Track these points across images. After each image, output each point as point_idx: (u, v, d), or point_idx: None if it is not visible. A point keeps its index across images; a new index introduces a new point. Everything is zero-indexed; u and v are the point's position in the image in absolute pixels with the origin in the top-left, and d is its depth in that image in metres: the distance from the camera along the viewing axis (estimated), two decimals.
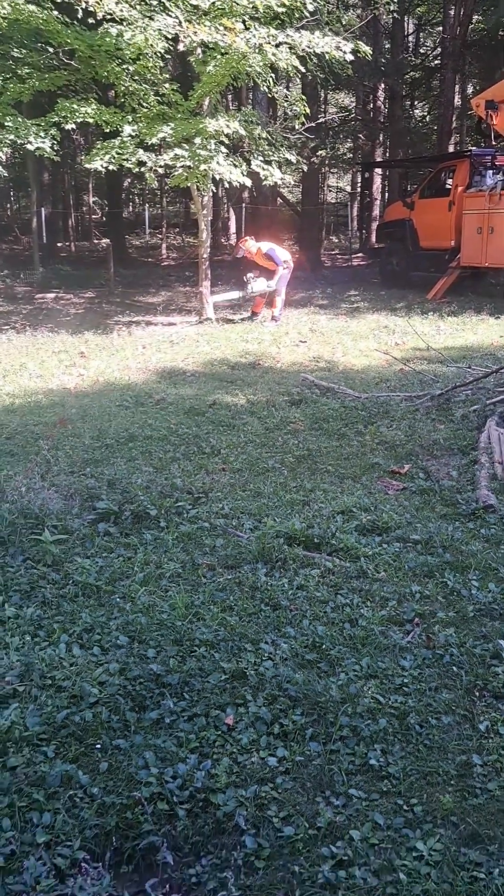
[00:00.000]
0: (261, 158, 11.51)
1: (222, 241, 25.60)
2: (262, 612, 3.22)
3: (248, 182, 10.90)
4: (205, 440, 5.97)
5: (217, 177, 10.27)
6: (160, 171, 10.28)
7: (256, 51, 9.70)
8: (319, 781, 2.25)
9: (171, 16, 9.51)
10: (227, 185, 10.97)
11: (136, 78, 11.16)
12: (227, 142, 10.29)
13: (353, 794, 2.20)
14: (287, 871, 1.96)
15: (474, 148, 15.70)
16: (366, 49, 11.85)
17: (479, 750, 2.37)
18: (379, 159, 21.29)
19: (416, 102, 26.18)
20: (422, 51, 23.69)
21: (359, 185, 27.35)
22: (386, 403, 6.77)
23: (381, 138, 21.30)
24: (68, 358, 9.80)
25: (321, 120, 16.68)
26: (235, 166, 10.83)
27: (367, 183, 25.38)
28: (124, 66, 11.00)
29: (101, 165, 10.37)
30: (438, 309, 12.89)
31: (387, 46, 21.27)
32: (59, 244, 28.41)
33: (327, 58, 10.72)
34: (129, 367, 9.11)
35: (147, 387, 8.08)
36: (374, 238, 20.24)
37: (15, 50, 11.52)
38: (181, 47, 9.70)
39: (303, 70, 11.03)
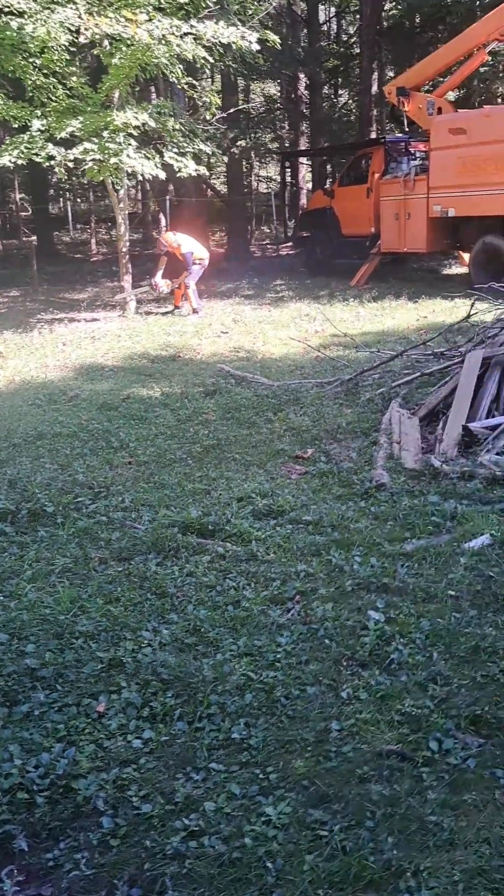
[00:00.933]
0: (175, 150, 11.49)
1: (154, 234, 25.42)
2: (148, 600, 3.27)
3: (162, 174, 10.87)
4: (114, 434, 5.98)
5: (129, 170, 10.21)
6: (70, 165, 10.14)
7: (161, 42, 9.66)
8: (182, 759, 2.32)
9: (72, 8, 9.38)
10: (149, 178, 10.87)
11: (45, 72, 10.99)
12: (135, 134, 10.22)
13: (213, 768, 2.28)
14: (140, 847, 2.02)
15: (389, 136, 15.95)
16: (274, 38, 11.94)
17: (339, 716, 2.47)
18: (301, 148, 21.39)
19: (338, 91, 26.43)
20: (343, 38, 23.90)
21: (288, 174, 27.53)
22: (297, 390, 6.88)
23: (303, 127, 21.40)
24: None
25: (236, 109, 16.61)
26: (148, 158, 10.79)
27: (294, 172, 25.55)
28: (31, 60, 10.82)
29: (10, 161, 10.20)
30: (360, 295, 13.09)
31: (303, 33, 21.37)
32: None
33: (234, 48, 10.73)
34: (47, 365, 9.02)
35: (63, 384, 8.03)
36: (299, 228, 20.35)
37: None
38: (82, 39, 9.58)
39: (211, 60, 11.03)
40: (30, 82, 10.94)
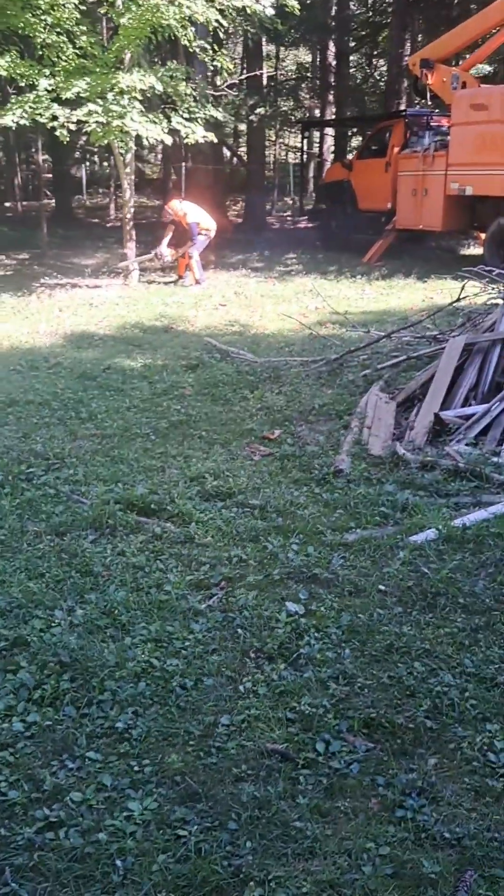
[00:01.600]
0: (186, 115, 11.23)
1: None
2: (71, 578, 3.21)
3: (168, 139, 10.65)
4: (86, 405, 5.90)
5: (133, 133, 10.00)
6: (72, 127, 9.95)
7: (171, 3, 9.39)
8: (62, 745, 2.27)
9: None
10: (153, 143, 10.66)
11: (57, 30, 10.74)
12: (140, 98, 9.99)
13: (89, 757, 2.22)
14: None
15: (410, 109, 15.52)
16: (293, 3, 11.57)
17: (231, 710, 2.40)
18: (324, 118, 20.91)
19: (372, 61, 25.73)
20: (375, 5, 23.16)
21: (316, 144, 26.98)
22: (278, 368, 6.75)
23: (329, 97, 20.89)
24: None
25: (248, 76, 16.16)
26: (155, 123, 10.56)
27: (320, 144, 25.03)
28: (42, 17, 10.58)
29: (13, 121, 10.03)
30: (369, 272, 12.83)
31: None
32: (6, 204, 27.67)
33: (248, 11, 10.43)
34: (38, 331, 8.94)
35: (49, 350, 7.95)
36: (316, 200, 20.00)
37: None
38: None
39: (225, 24, 10.72)
40: (39, 40, 10.70)
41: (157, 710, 2.40)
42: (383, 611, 2.93)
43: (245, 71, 20.16)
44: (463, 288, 7.00)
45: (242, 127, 21.52)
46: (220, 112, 11.68)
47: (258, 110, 16.42)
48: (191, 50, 10.75)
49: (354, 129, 20.01)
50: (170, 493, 4.01)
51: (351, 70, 22.53)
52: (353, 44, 20.90)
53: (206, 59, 11.10)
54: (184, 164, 17.73)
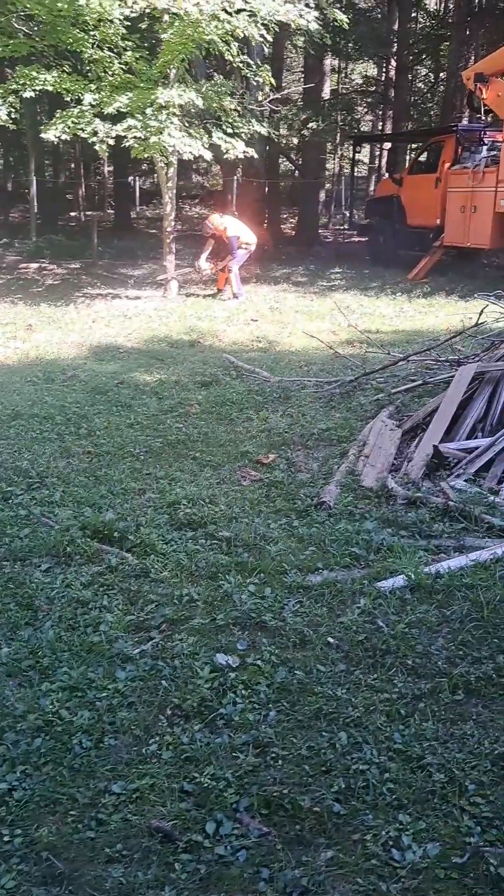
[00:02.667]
0: (229, 130, 11.17)
1: (235, 213, 25.17)
2: (10, 611, 3.08)
3: (208, 155, 10.58)
4: (90, 420, 5.82)
5: (170, 148, 9.97)
6: (111, 141, 9.99)
7: (211, 18, 9.34)
8: None
9: None
10: (189, 157, 10.63)
11: (103, 45, 10.84)
12: (178, 113, 9.96)
13: None
14: None
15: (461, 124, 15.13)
16: (342, 18, 11.42)
17: (127, 776, 2.21)
18: (375, 133, 20.62)
19: (434, 73, 25.31)
20: (426, 20, 22.74)
21: (375, 158, 26.66)
22: (289, 388, 6.54)
23: (384, 110, 20.60)
24: (13, 330, 9.68)
25: (286, 92, 15.97)
26: (196, 138, 10.52)
27: (379, 158, 24.73)
28: (90, 34, 10.69)
29: (55, 135, 10.15)
30: (410, 290, 12.49)
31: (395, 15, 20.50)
32: (72, 213, 28.22)
33: (293, 27, 10.30)
34: (66, 342, 8.97)
35: (71, 362, 7.94)
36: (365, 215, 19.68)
37: None
38: (129, 13, 9.36)
39: (269, 39, 10.62)
40: (86, 55, 10.82)
41: (50, 770, 2.23)
42: (324, 667, 2.69)
43: (305, 84, 20.09)
44: (481, 313, 6.67)
45: (283, 141, 21.38)
46: (264, 126, 11.54)
47: (311, 124, 16.25)
48: (234, 65, 10.66)
49: (411, 145, 19.61)
50: (136, 521, 3.85)
51: (411, 84, 22.17)
52: (412, 57, 20.52)
53: (249, 75, 11.00)
54: (235, 177, 17.73)
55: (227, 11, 9.37)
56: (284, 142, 17.81)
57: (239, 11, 9.66)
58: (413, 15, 21.76)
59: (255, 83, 11.24)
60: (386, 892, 1.83)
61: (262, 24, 10.09)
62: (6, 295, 12.56)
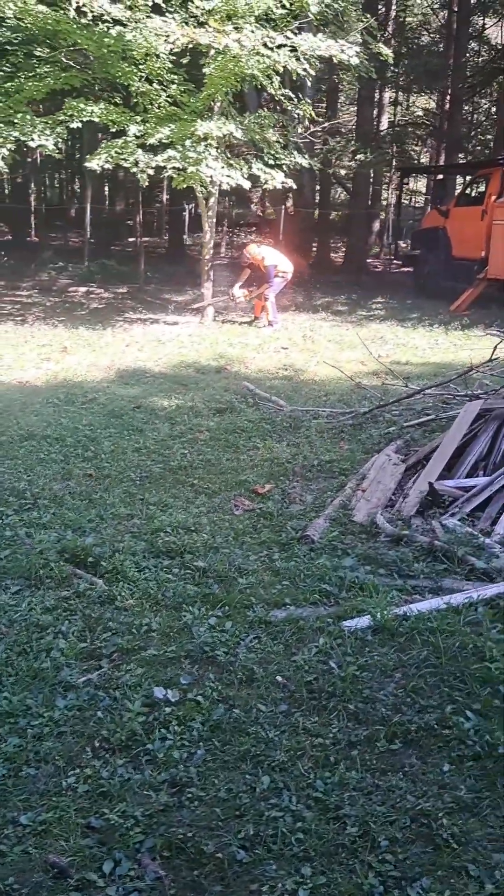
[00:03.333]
0: (271, 161, 11.32)
1: (271, 243, 25.45)
2: None
3: (247, 184, 10.73)
4: (99, 443, 5.89)
5: (208, 179, 10.15)
6: (151, 172, 10.23)
7: (252, 53, 9.53)
8: None
9: (167, 18, 9.47)
10: (226, 188, 10.82)
11: (151, 78, 11.16)
12: (216, 144, 10.14)
13: None
14: None
15: None
16: (387, 52, 11.50)
17: (38, 808, 2.18)
18: (420, 164, 20.57)
19: (489, 106, 25.22)
20: (488, 52, 22.71)
21: (430, 190, 26.58)
22: (300, 418, 6.50)
23: (433, 143, 20.58)
24: (49, 352, 9.91)
25: (340, 121, 16.09)
26: (236, 168, 10.69)
27: (434, 190, 24.62)
28: (138, 67, 11.02)
29: (98, 165, 10.45)
30: (448, 322, 12.33)
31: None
32: (130, 239, 28.91)
33: (335, 61, 10.42)
34: (96, 365, 9.13)
35: (95, 385, 8.07)
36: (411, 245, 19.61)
37: (38, 49, 11.74)
38: (171, 48, 9.61)
39: (313, 73, 10.75)
40: (134, 88, 11.14)
41: None
42: (265, 707, 2.63)
43: (358, 116, 20.27)
44: (496, 348, 6.53)
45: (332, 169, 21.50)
46: (306, 158, 11.65)
47: (359, 156, 16.35)
48: (276, 98, 10.82)
49: (459, 177, 19.53)
50: (114, 546, 3.86)
51: (471, 115, 22.12)
52: (468, 89, 20.49)
53: (290, 108, 11.15)
54: (283, 206, 17.93)
55: (267, 46, 9.52)
56: (333, 171, 17.90)
57: (280, 46, 9.82)
58: (475, 48, 21.76)
59: (296, 115, 11.33)
60: None
61: (305, 59, 10.23)
62: (50, 317, 12.90)
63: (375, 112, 20.66)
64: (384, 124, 22.59)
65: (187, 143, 9.97)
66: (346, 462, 5.38)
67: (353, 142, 16.81)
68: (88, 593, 3.45)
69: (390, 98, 24.55)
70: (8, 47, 11.50)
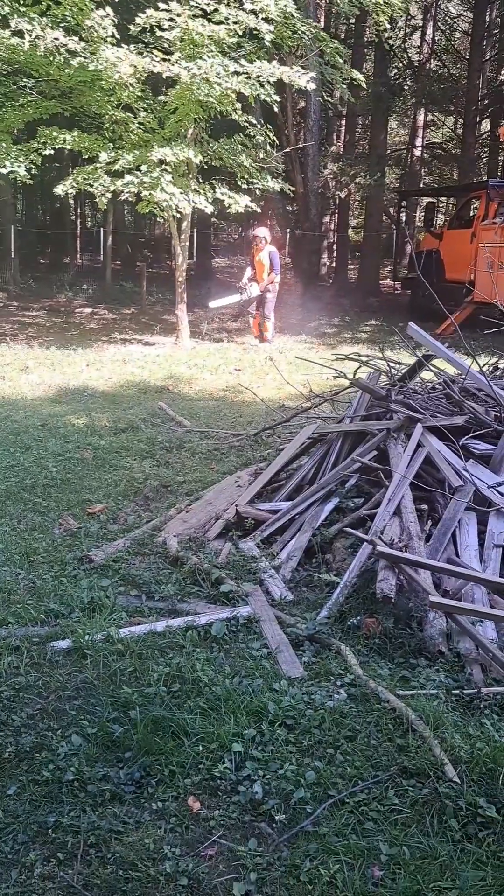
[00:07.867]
0: (244, 184, 11.48)
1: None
2: None
3: (210, 209, 10.89)
4: None
5: (164, 203, 10.34)
6: (108, 196, 10.48)
7: (204, 81, 9.71)
8: None
9: (118, 48, 9.77)
10: (185, 212, 11.01)
11: (121, 107, 11.48)
12: (170, 170, 10.34)
13: None
14: None
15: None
16: (359, 77, 11.53)
17: None
18: (417, 188, 20.43)
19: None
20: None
21: (431, 214, 26.31)
22: (189, 439, 6.53)
23: (448, 166, 20.42)
24: (9, 371, 10.18)
25: (316, 148, 16.03)
26: (199, 193, 10.87)
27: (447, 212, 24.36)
28: (110, 97, 11.34)
29: (62, 190, 10.77)
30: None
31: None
32: (168, 262, 29.53)
33: (295, 87, 10.52)
34: (44, 384, 9.33)
35: (27, 403, 8.21)
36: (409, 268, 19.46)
37: (23, 80, 12.23)
38: (126, 77, 9.88)
39: (278, 99, 10.88)
40: (108, 116, 11.47)
41: None
42: None
43: (369, 139, 20.30)
44: (355, 372, 6.45)
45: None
46: (279, 182, 11.76)
47: (357, 179, 16.37)
48: (242, 124, 10.98)
49: (444, 198, 19.34)
50: None
51: (488, 139, 21.87)
52: (479, 113, 20.29)
53: (253, 133, 11.30)
54: (295, 230, 18.00)
55: (218, 76, 9.67)
56: (330, 195, 17.95)
57: (237, 74, 9.97)
58: (490, 74, 21.58)
59: (259, 140, 11.47)
60: None
61: (262, 84, 10.34)
62: (38, 337, 13.25)
63: (408, 134, 20.64)
64: (416, 148, 22.52)
65: (143, 167, 10.19)
66: (199, 484, 5.38)
67: (353, 165, 16.82)
68: None
69: (425, 120, 24.52)
70: None
